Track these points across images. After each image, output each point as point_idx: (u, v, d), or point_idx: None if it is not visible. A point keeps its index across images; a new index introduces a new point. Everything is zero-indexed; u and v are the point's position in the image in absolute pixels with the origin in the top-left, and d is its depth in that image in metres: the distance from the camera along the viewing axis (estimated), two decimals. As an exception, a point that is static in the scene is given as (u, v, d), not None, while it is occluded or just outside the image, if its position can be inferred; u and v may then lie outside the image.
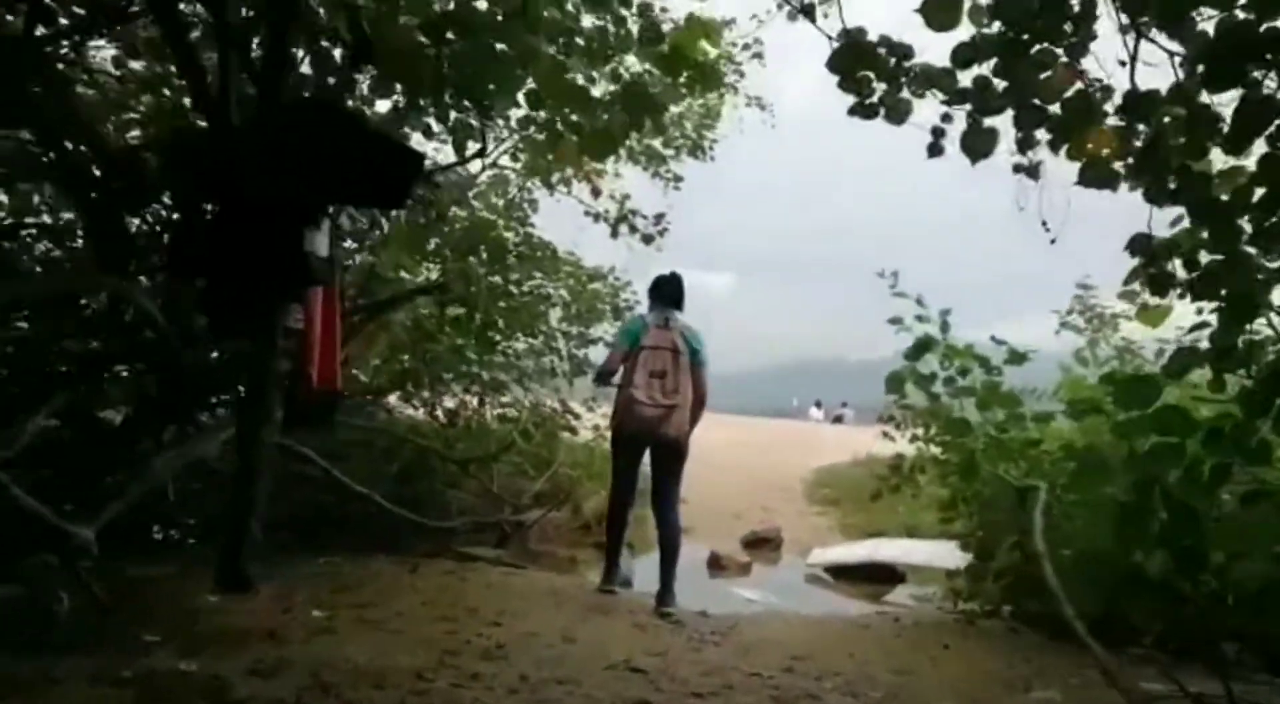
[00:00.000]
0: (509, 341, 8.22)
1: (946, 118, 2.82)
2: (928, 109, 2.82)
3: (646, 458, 5.03)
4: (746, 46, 7.79)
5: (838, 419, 29.44)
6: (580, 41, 3.88)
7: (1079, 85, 2.64)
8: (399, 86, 3.96)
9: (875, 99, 2.84)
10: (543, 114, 4.24)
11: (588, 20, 4.01)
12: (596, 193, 7.49)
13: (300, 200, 2.98)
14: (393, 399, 7.27)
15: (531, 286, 7.73)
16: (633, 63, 4.56)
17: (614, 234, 7.65)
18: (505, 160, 7.36)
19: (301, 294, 3.22)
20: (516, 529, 7.56)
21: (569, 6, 3.90)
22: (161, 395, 4.67)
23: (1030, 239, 2.82)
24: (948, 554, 7.09)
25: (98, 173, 4.16)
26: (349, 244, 5.45)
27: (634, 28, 4.04)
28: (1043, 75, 2.64)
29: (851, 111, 2.85)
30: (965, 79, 2.75)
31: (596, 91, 3.93)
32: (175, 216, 4.48)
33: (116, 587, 3.77)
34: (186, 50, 3.47)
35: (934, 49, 2.74)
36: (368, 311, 4.77)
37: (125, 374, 5.06)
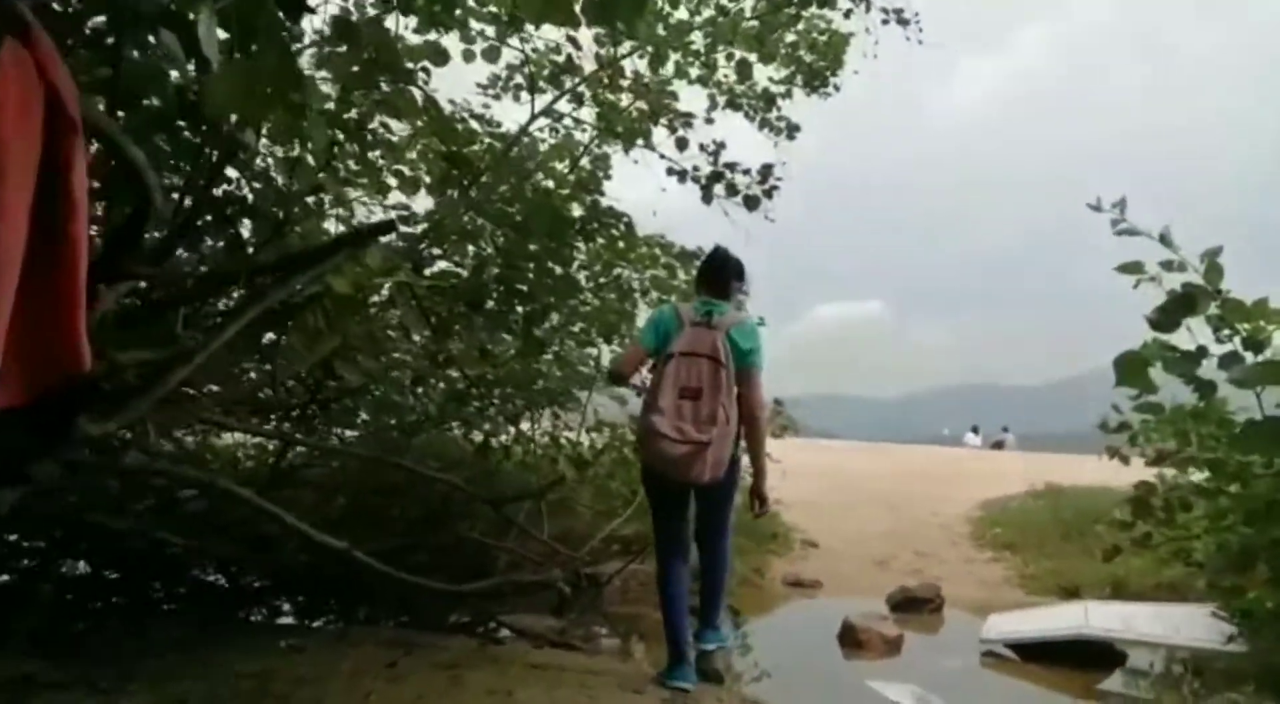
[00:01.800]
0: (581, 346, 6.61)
1: None
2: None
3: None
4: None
5: (998, 445, 26.75)
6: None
7: None
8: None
9: None
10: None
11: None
12: (683, 143, 5.70)
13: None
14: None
15: (613, 277, 6.07)
16: None
17: (706, 198, 5.82)
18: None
19: None
20: (582, 589, 5.77)
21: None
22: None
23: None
24: (1196, 625, 4.87)
25: None
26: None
27: None
28: None
29: None
30: None
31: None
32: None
33: None
34: None
35: None
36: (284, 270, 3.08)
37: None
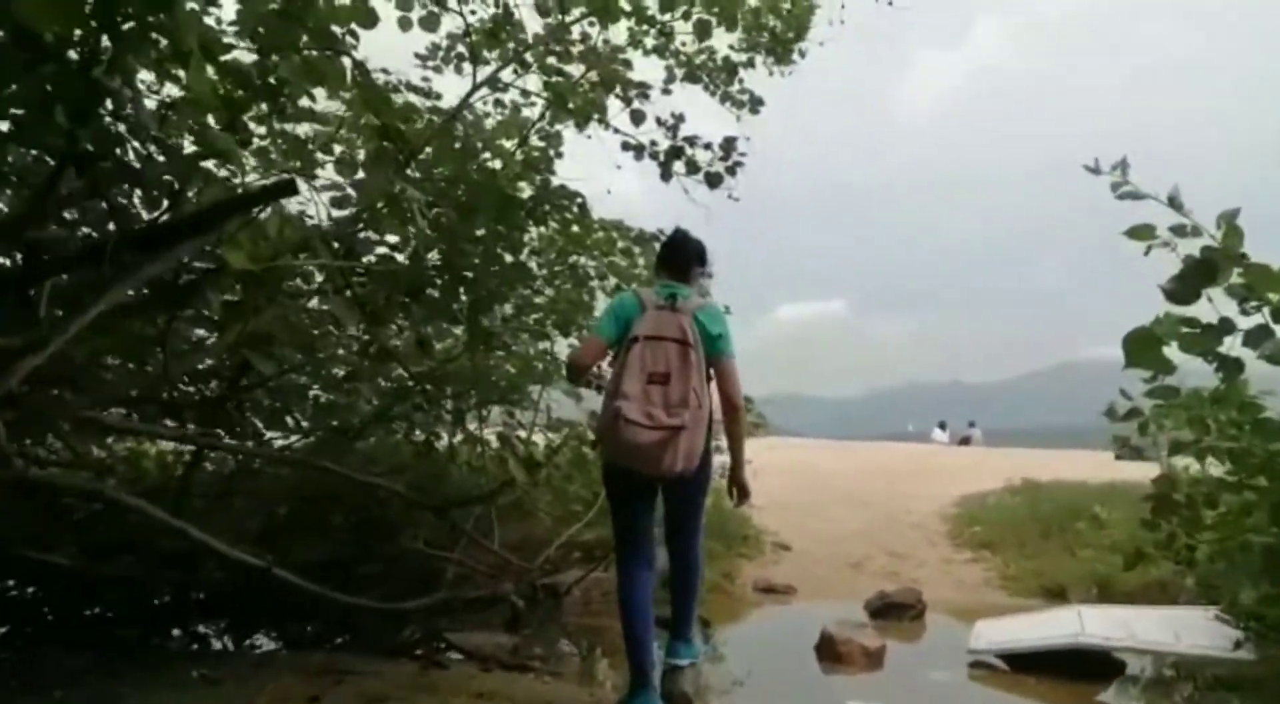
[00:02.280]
0: (536, 339, 6.20)
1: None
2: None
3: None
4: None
5: (965, 440, 26.71)
6: None
7: None
8: None
9: None
10: None
11: None
12: (638, 116, 5.28)
13: None
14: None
15: (567, 265, 5.65)
16: None
17: (665, 174, 5.39)
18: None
19: None
20: (539, 602, 5.35)
21: None
22: None
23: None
24: (1198, 630, 4.54)
25: None
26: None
27: None
28: None
29: None
30: None
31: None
32: None
33: None
34: None
35: None
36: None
37: None
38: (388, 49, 4.85)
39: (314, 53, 3.11)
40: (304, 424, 4.78)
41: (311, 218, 4.24)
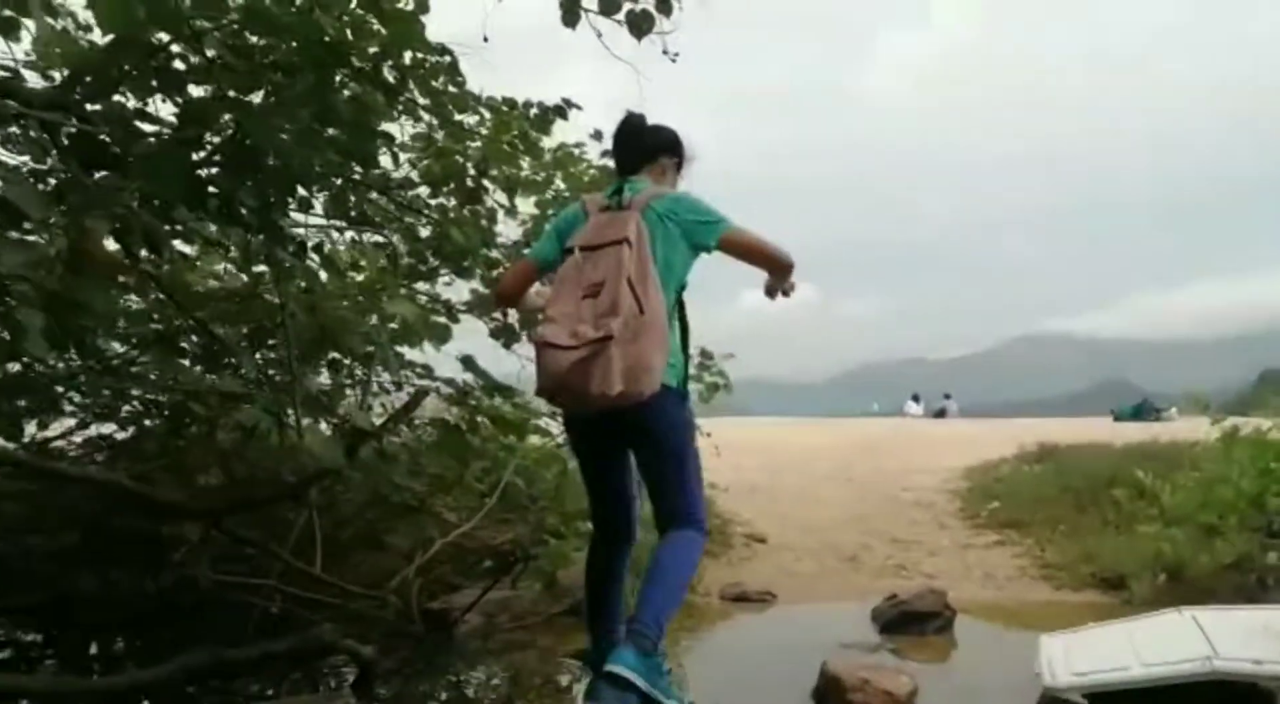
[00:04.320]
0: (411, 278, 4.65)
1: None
2: None
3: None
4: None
5: (940, 413, 25.73)
6: None
7: None
8: None
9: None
10: None
11: None
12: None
13: None
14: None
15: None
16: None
17: (570, 18, 3.67)
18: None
19: None
20: (414, 636, 3.70)
21: None
22: None
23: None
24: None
25: None
26: None
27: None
28: None
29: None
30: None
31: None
32: None
33: None
34: None
35: None
36: None
37: None
38: None
39: None
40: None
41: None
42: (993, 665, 3.85)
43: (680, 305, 2.67)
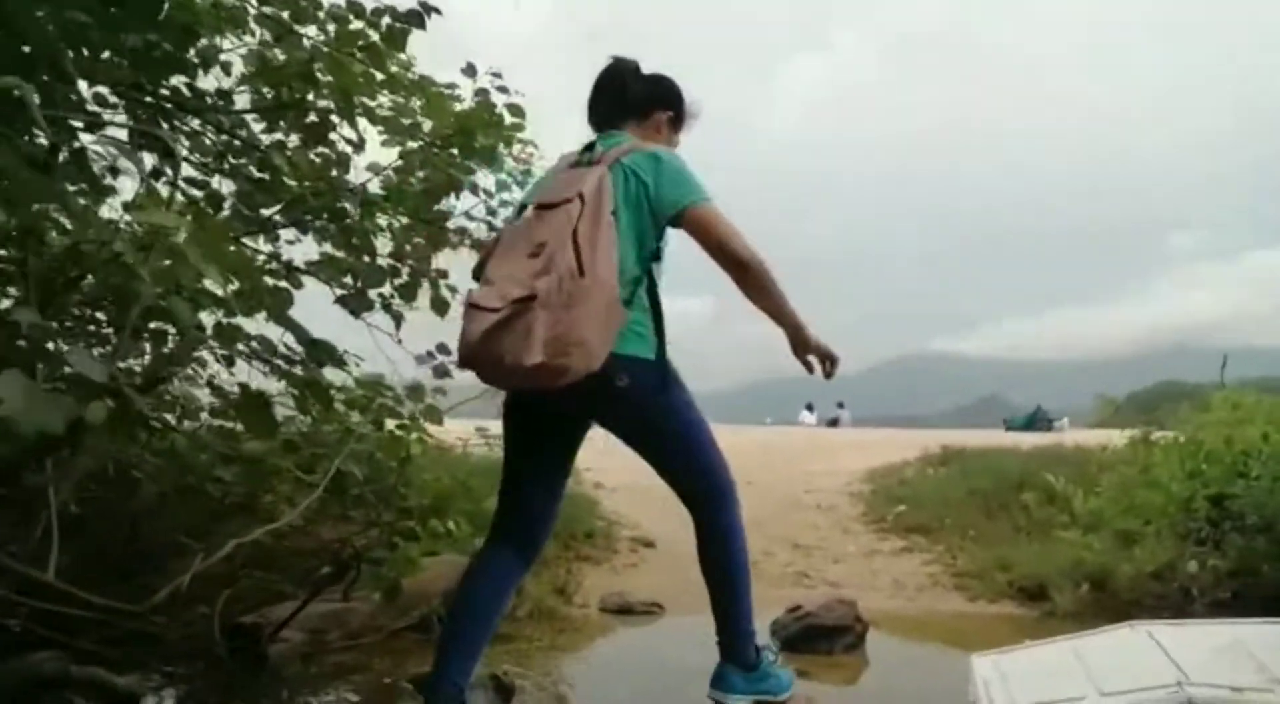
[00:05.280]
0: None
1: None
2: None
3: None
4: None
5: (833, 422, 25.75)
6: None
7: None
8: None
9: None
10: None
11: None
12: None
13: None
14: None
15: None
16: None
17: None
18: None
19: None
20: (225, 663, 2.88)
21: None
22: None
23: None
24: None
25: None
26: None
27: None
28: None
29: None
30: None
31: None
32: None
33: None
34: None
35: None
36: None
37: None
38: None
39: None
40: None
41: None
42: (915, 691, 3.27)
43: (651, 281, 2.30)
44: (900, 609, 4.63)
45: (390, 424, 3.91)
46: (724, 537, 2.45)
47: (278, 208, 3.77)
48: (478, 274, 2.38)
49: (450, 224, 4.49)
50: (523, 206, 2.32)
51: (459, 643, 2.25)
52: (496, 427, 6.21)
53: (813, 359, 2.43)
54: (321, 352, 2.96)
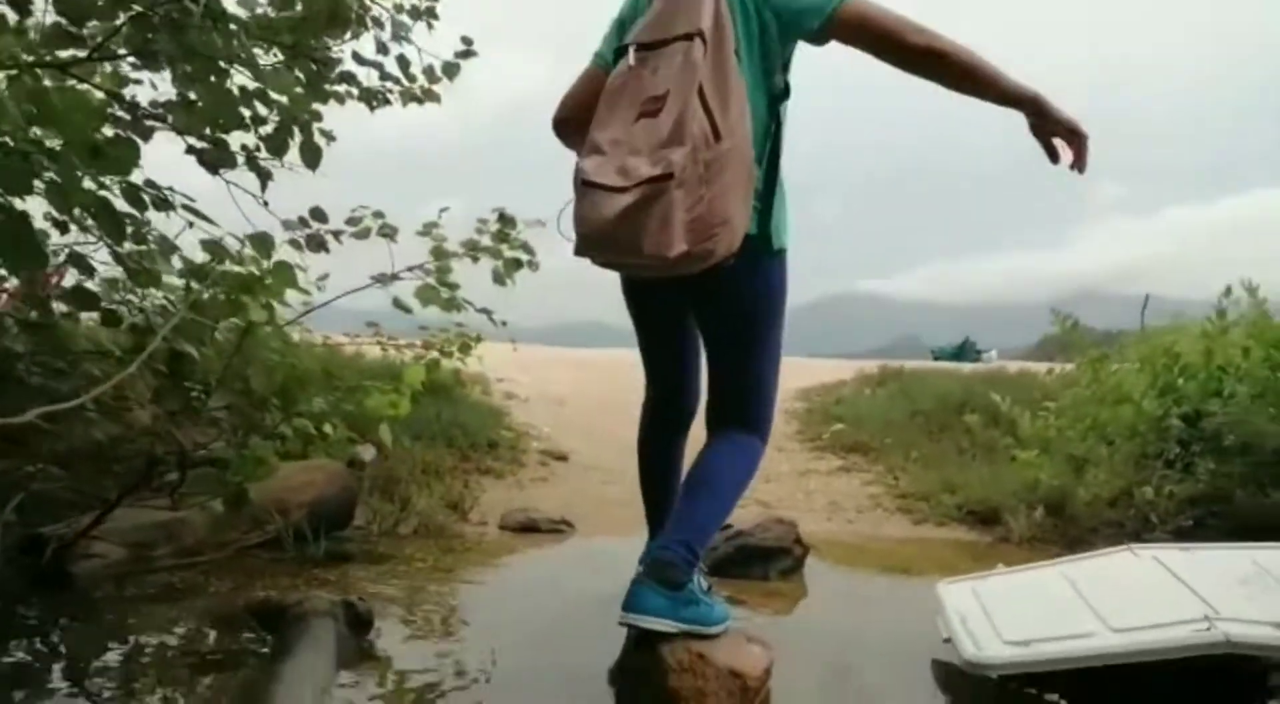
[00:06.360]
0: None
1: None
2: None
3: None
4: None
5: None
6: None
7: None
8: None
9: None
10: None
11: None
12: None
13: None
14: None
15: None
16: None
17: None
18: None
19: None
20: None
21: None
22: None
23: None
24: None
25: None
26: None
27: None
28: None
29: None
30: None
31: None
32: None
33: None
34: None
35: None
36: None
37: None
38: None
39: None
40: None
41: None
42: (864, 624, 2.72)
43: (777, 123, 1.95)
44: (839, 532, 4.13)
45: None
46: (740, 459, 2.12)
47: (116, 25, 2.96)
48: (573, 130, 2.06)
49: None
50: (617, 52, 1.93)
51: (658, 512, 2.32)
52: (392, 324, 5.38)
53: (1058, 142, 1.91)
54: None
